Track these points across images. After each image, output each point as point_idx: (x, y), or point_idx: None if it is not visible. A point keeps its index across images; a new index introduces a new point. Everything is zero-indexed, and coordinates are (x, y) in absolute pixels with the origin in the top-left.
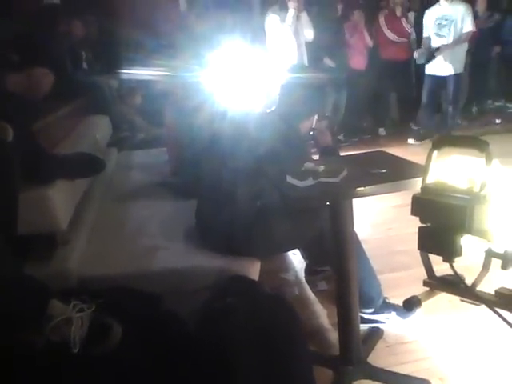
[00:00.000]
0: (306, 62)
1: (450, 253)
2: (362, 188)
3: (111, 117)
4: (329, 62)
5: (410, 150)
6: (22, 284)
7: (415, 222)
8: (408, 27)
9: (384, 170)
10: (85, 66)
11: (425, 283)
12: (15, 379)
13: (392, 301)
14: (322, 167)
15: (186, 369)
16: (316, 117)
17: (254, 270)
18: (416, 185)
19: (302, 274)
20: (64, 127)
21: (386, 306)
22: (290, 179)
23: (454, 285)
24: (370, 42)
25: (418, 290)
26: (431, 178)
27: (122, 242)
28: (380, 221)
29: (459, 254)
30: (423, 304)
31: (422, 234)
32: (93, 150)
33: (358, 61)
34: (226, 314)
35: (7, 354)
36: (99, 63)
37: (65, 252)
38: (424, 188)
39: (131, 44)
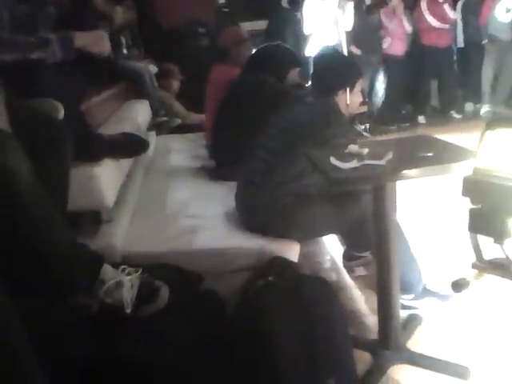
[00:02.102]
0: (344, 49)
1: (500, 234)
2: (409, 170)
3: (150, 101)
4: (356, 50)
5: (451, 139)
6: (77, 251)
7: (458, 206)
8: (452, 13)
9: (430, 154)
10: (124, 51)
11: (473, 266)
12: (73, 341)
13: (433, 286)
14: (366, 150)
15: (226, 346)
16: (348, 90)
17: (293, 252)
18: (464, 168)
19: (339, 260)
20: (106, 110)
21: (427, 293)
22: (333, 160)
23: (504, 267)
24: (408, 27)
25: (460, 275)
26: (483, 159)
27: (164, 221)
28: (421, 205)
29: (510, 236)
30: (466, 292)
31: (473, 216)
32: (135, 132)
33: (397, 46)
34: (268, 292)
35: (65, 316)
36: (138, 49)
37: (109, 229)
38: (475, 169)
39: (169, 30)
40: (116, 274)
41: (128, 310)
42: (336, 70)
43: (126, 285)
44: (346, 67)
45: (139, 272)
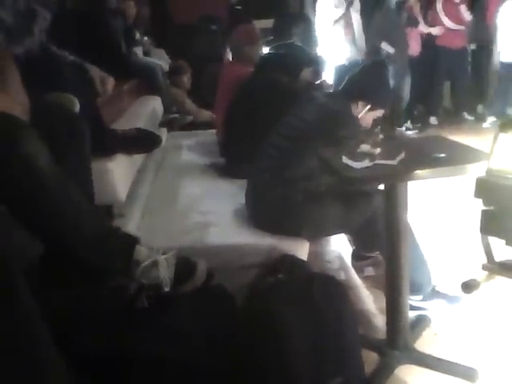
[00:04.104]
0: (362, 49)
1: None
2: (421, 171)
3: (162, 98)
4: (387, 47)
5: (464, 140)
6: (106, 234)
7: (470, 208)
8: (467, 14)
9: (443, 155)
10: (137, 46)
11: (484, 267)
12: (113, 323)
13: (443, 288)
14: (378, 149)
15: (234, 341)
16: (368, 106)
17: (303, 250)
18: (476, 170)
19: (348, 259)
20: (120, 105)
21: (436, 294)
22: (345, 160)
23: None
24: (424, 28)
25: (471, 277)
26: (496, 161)
27: (174, 217)
28: (432, 205)
29: None
30: (475, 293)
31: (485, 217)
32: (148, 128)
33: (412, 47)
34: (278, 289)
35: (103, 299)
36: (151, 44)
37: (121, 224)
38: (489, 170)
39: (181, 27)
40: (151, 253)
41: (166, 289)
42: (375, 84)
43: (162, 264)
44: (385, 88)
45: (174, 251)
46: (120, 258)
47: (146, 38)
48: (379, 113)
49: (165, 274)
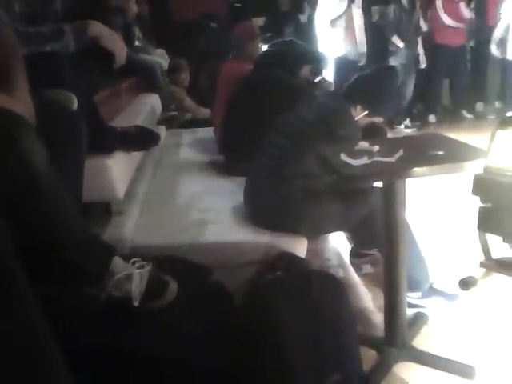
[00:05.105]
0: (363, 44)
1: (509, 233)
2: (419, 168)
3: (161, 95)
4: (397, 41)
5: (462, 138)
6: (91, 240)
7: (467, 205)
8: (467, 12)
9: (441, 152)
10: (137, 43)
11: (481, 264)
12: (79, 330)
13: (440, 285)
14: (376, 147)
15: (233, 338)
16: (363, 110)
17: (301, 248)
18: (474, 167)
19: (346, 257)
20: (118, 103)
21: (433, 292)
22: (344, 157)
23: None
24: (423, 25)
25: (468, 274)
26: (494, 158)
27: (173, 214)
28: (430, 203)
29: None
30: (472, 291)
31: (483, 214)
32: (146, 125)
33: None
34: (276, 286)
35: (73, 306)
36: (150, 42)
37: (119, 221)
38: (486, 168)
39: (180, 24)
40: (126, 266)
41: (136, 303)
42: (382, 93)
43: (135, 278)
44: (391, 99)
45: (150, 266)
46: (97, 267)
47: (149, 45)
48: (377, 120)
49: (136, 288)
